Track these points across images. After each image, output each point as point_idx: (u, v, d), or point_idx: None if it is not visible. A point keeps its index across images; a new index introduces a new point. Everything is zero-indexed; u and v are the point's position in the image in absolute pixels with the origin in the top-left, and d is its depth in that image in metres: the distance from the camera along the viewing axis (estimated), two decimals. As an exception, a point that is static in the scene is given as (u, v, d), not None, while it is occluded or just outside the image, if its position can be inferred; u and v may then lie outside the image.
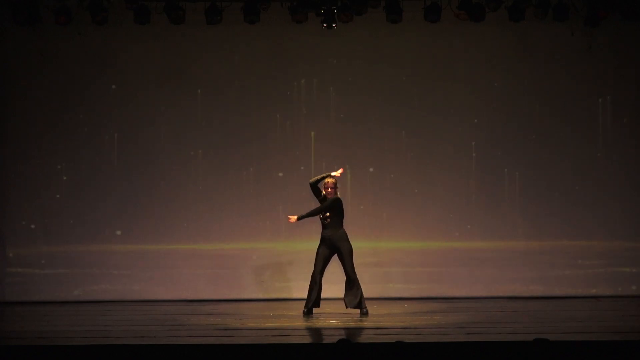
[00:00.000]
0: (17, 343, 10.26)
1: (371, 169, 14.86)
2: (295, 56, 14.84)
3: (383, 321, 11.87)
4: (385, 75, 14.81)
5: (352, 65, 14.86)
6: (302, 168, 14.80)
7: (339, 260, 12.52)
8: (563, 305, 13.76)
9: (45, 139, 14.75)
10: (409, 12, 14.30)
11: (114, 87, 14.74)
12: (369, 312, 12.47)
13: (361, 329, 11.44)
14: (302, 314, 12.49)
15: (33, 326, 12.02)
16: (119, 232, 14.78)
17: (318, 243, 12.55)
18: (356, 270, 12.50)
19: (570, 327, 11.43)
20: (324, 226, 12.52)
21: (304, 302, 12.60)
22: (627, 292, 14.76)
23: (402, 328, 11.13)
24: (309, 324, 11.87)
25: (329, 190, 12.49)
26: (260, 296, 14.73)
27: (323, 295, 12.59)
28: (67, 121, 14.75)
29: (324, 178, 12.55)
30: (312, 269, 12.51)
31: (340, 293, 12.57)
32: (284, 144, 14.86)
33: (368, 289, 12.77)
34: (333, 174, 12.56)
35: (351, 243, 12.49)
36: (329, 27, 13.93)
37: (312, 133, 14.88)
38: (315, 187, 12.55)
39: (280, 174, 14.82)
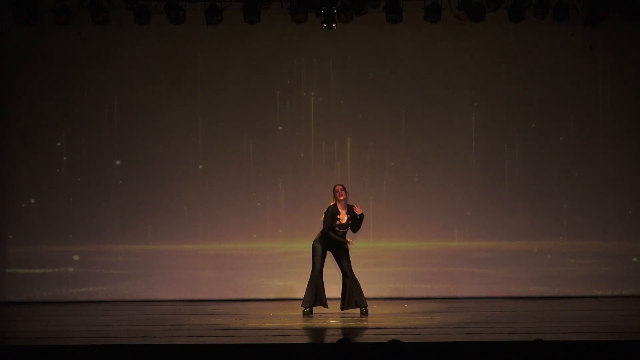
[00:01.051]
0: (17, 343, 10.26)
1: (370, 171, 14.87)
2: (295, 56, 14.83)
3: (383, 321, 11.86)
4: (385, 75, 14.80)
5: (352, 65, 14.85)
6: (302, 155, 14.82)
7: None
8: (563, 305, 13.75)
9: (45, 139, 14.75)
10: (409, 12, 14.28)
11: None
12: (369, 312, 12.47)
13: (361, 329, 11.44)
14: (302, 314, 12.49)
15: (33, 326, 12.03)
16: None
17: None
18: (356, 270, 12.51)
19: (570, 327, 11.43)
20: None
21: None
22: (627, 292, 14.76)
23: (402, 328, 11.13)
24: (309, 324, 11.87)
25: (344, 195, 12.47)
26: (260, 296, 14.72)
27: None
28: (66, 122, 14.75)
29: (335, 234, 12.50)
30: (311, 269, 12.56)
31: (340, 293, 12.58)
32: (284, 139, 14.87)
33: (368, 289, 12.76)
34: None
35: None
36: (329, 27, 13.92)
37: (312, 133, 14.88)
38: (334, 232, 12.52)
39: (279, 177, 14.87)
